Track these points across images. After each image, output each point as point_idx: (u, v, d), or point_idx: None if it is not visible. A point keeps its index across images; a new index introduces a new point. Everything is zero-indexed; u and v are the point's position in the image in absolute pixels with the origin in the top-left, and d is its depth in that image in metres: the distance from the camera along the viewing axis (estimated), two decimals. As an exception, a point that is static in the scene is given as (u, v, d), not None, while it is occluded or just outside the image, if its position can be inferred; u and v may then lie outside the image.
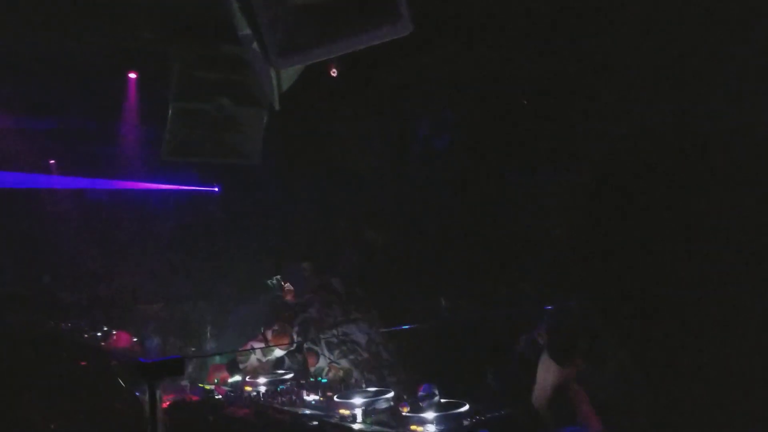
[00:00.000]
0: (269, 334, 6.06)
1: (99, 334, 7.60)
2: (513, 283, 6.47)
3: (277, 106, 6.66)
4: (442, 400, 4.51)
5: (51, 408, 4.58)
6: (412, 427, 4.20)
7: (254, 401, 5.12)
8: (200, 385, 5.68)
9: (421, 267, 7.22)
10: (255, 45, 5.90)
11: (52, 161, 9.88)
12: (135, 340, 7.24)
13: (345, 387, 5.26)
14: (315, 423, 4.48)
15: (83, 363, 5.89)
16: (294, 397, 5.03)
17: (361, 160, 8.65)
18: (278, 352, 5.92)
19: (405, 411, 4.42)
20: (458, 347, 5.82)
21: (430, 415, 4.28)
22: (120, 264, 10.21)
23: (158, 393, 2.60)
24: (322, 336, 5.90)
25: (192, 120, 7.18)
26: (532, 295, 6.13)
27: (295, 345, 6.02)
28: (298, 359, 5.87)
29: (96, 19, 6.47)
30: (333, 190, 8.48)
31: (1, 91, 7.79)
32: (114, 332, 7.47)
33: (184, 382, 5.79)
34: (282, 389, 5.27)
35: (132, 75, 7.94)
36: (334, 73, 7.90)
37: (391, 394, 4.72)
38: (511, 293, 6.43)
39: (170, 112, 7.12)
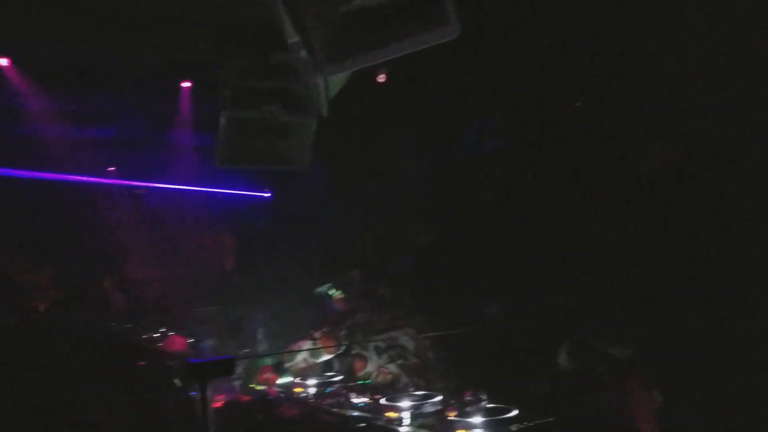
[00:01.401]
0: (317, 336, 6.16)
1: (156, 335, 7.82)
2: (563, 288, 6.40)
3: (325, 113, 6.79)
4: (489, 405, 4.50)
5: (110, 406, 4.75)
6: None
7: (303, 402, 5.21)
8: (251, 386, 5.80)
9: (470, 272, 7.20)
10: (303, 52, 6.03)
11: (111, 168, 10.21)
12: (190, 341, 7.44)
13: (393, 391, 5.30)
14: (362, 425, 4.53)
15: (141, 363, 6.07)
16: (342, 399, 5.10)
17: (410, 165, 8.68)
18: (325, 355, 6.00)
19: (452, 415, 4.43)
20: (507, 353, 5.78)
21: (476, 419, 4.28)
22: (176, 268, 10.49)
23: (208, 392, 2.68)
24: (370, 341, 5.95)
25: (243, 128, 7.35)
26: (584, 302, 6.05)
27: (342, 349, 6.09)
28: (346, 363, 5.94)
29: (150, 32, 6.70)
30: (381, 196, 8.53)
31: (65, 103, 8.14)
32: (170, 334, 7.68)
33: (237, 383, 5.93)
34: (330, 391, 5.34)
35: (185, 84, 8.17)
36: (382, 78, 7.98)
37: (438, 399, 4.73)
38: (562, 299, 6.36)
39: (222, 120, 7.32)
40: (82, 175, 9.76)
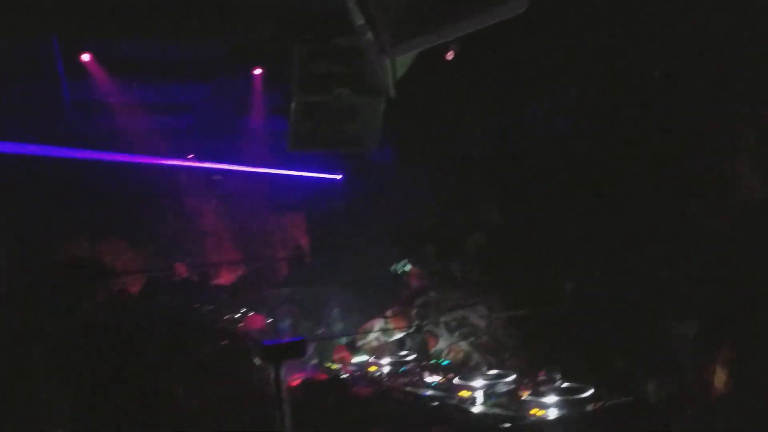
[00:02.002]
0: (389, 314, 6.23)
1: (237, 316, 8.09)
2: (641, 267, 6.23)
3: (392, 94, 6.81)
4: (564, 385, 4.45)
5: (193, 385, 4.97)
6: (533, 411, 4.18)
7: (377, 381, 5.29)
8: (328, 365, 5.94)
9: (544, 250, 7.10)
10: (369, 35, 6.04)
11: (190, 155, 10.57)
12: (269, 321, 7.66)
13: (467, 369, 5.31)
14: (435, 404, 4.57)
15: (223, 343, 6.29)
16: (415, 378, 5.15)
17: (480, 143, 8.60)
18: (398, 333, 6.06)
19: (525, 395, 4.41)
20: (583, 331, 5.69)
21: (551, 399, 4.24)
22: (253, 250, 10.83)
23: (282, 373, 2.77)
24: (441, 318, 5.97)
25: (313, 112, 7.48)
26: (664, 281, 5.87)
27: (414, 327, 6.14)
28: (418, 341, 5.98)
29: (221, 21, 6.88)
30: (452, 175, 8.50)
31: (144, 94, 8.47)
32: (250, 314, 7.93)
33: (314, 362, 6.09)
34: (404, 370, 5.40)
35: (257, 71, 8.34)
36: (450, 56, 7.90)
37: (512, 378, 4.72)
38: (641, 277, 6.19)
39: (292, 105, 7.45)
40: (164, 164, 10.16)
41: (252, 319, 7.76)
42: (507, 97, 8.05)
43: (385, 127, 7.70)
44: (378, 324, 6.26)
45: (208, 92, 8.92)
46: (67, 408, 2.85)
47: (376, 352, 5.98)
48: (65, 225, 9.31)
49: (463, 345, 5.71)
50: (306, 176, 10.72)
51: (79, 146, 8.53)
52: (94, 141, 8.60)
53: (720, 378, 3.84)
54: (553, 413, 4.14)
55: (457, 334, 5.79)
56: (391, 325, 6.17)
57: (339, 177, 10.95)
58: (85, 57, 7.29)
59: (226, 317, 8.13)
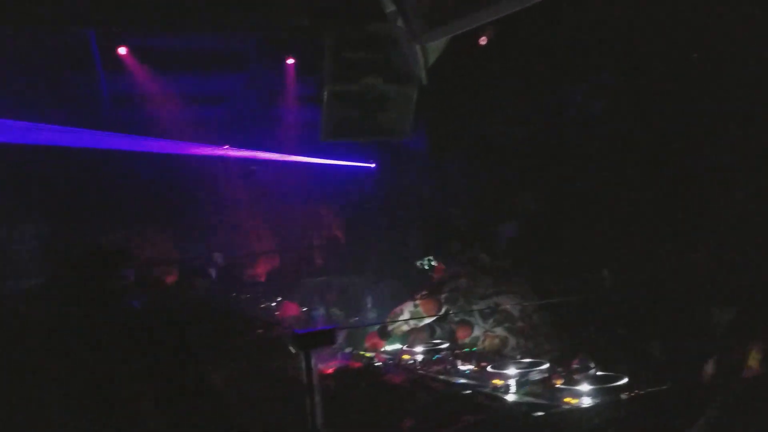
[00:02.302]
0: (418, 299, 6.23)
1: (273, 304, 8.19)
2: (682, 254, 6.11)
3: (424, 81, 6.77)
4: (598, 373, 4.40)
5: (230, 372, 5.05)
6: (566, 400, 4.15)
7: (410, 369, 5.31)
8: (361, 353, 5.97)
9: (579, 237, 7.02)
10: (400, 22, 6.02)
11: (225, 146, 10.68)
12: (303, 310, 7.74)
13: (500, 357, 5.29)
14: (468, 392, 4.56)
15: (259, 331, 6.37)
16: (448, 367, 5.15)
17: (514, 129, 8.50)
18: (428, 319, 6.05)
19: (559, 383, 4.38)
20: (619, 318, 5.61)
21: (585, 387, 4.20)
22: (288, 239, 10.93)
23: (313, 360, 2.79)
24: (474, 306, 5.94)
25: (345, 101, 7.49)
26: (704, 268, 5.75)
27: (443, 311, 6.12)
28: (449, 329, 5.97)
29: (253, 11, 6.93)
30: (486, 162, 8.43)
31: (179, 85, 8.58)
32: (284, 302, 8.02)
33: (348, 350, 6.13)
34: (437, 358, 5.40)
35: (290, 61, 8.38)
36: (483, 41, 7.82)
37: (545, 366, 4.69)
38: (680, 265, 6.08)
39: (325, 95, 7.47)
40: (200, 154, 10.30)
41: (286, 308, 7.84)
42: (541, 83, 7.94)
43: (417, 115, 7.68)
44: (408, 308, 6.26)
45: (241, 83, 9.01)
46: (108, 395, 2.90)
47: (407, 337, 5.98)
48: (105, 215, 9.52)
49: (499, 331, 5.67)
50: (339, 165, 10.75)
51: (117, 137, 8.71)
52: (131, 132, 8.75)
53: (757, 363, 3.75)
54: (586, 402, 4.10)
55: (491, 320, 5.76)
56: (420, 309, 6.16)
57: (372, 165, 10.96)
58: (122, 50, 7.41)
59: (262, 306, 8.24)
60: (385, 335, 6.12)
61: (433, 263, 7.15)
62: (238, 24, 7.08)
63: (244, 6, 6.85)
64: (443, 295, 6.23)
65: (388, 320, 6.23)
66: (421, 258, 7.34)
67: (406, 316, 6.15)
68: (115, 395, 2.70)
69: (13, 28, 6.61)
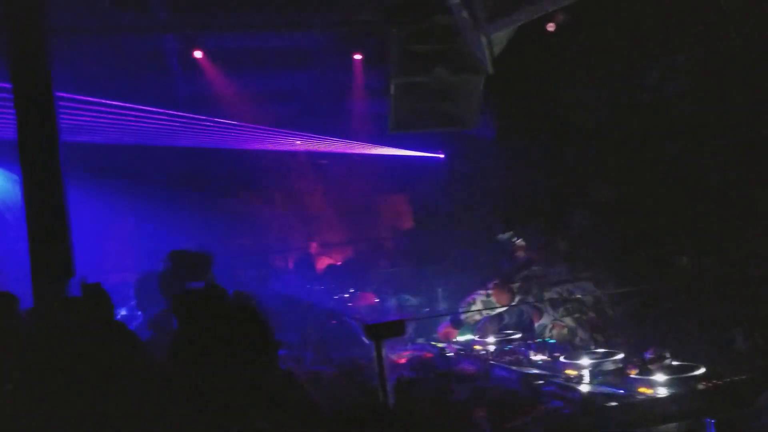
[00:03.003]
0: (490, 287, 6.23)
1: (347, 295, 8.36)
2: (760, 242, 5.89)
3: (490, 71, 6.76)
4: (674, 363, 4.31)
5: (302, 362, 5.24)
6: (641, 390, 4.09)
7: (482, 359, 5.33)
8: (433, 343, 6.04)
9: (656, 225, 6.85)
10: (465, 13, 6.03)
11: (297, 142, 10.94)
12: (377, 300, 7.88)
13: (572, 347, 5.24)
14: (540, 382, 4.55)
15: (333, 322, 6.54)
16: (521, 357, 5.15)
17: (586, 114, 8.34)
18: (500, 308, 6.04)
19: (633, 373, 4.31)
20: (694, 307, 5.47)
21: (660, 377, 4.13)
22: (360, 231, 11.13)
23: (383, 351, 2.88)
24: (545, 293, 5.90)
25: (412, 93, 7.56)
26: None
27: (516, 300, 6.10)
28: (515, 317, 5.94)
29: (319, 8, 7.09)
30: (558, 148, 8.31)
31: (251, 85, 8.85)
32: (360, 293, 8.18)
33: (421, 340, 6.21)
34: (509, 348, 5.41)
35: (357, 56, 8.50)
36: (551, 27, 7.72)
37: (620, 356, 4.62)
38: (758, 252, 5.86)
39: (392, 87, 7.57)
40: (273, 150, 10.60)
41: (362, 298, 8.00)
42: (616, 62, 7.75)
43: (485, 104, 7.65)
44: (480, 297, 6.28)
45: (311, 79, 9.20)
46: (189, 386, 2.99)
47: (482, 330, 6.00)
48: (180, 212, 9.94)
49: (568, 321, 5.62)
50: (408, 156, 10.83)
51: (191, 136, 9.08)
52: (205, 131, 9.09)
53: None
54: (662, 392, 4.03)
55: (561, 309, 5.70)
56: (492, 299, 6.17)
57: (441, 156, 10.99)
58: (198, 54, 7.72)
59: (335, 297, 8.42)
60: (458, 325, 6.16)
61: (515, 239, 7.09)
62: (310, 22, 7.25)
63: (314, 5, 7.01)
64: (516, 284, 6.21)
65: (460, 310, 6.26)
66: (503, 233, 7.28)
67: (478, 305, 6.17)
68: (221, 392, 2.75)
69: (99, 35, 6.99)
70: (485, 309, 5.97)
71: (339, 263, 10.58)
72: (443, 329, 6.18)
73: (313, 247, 11.03)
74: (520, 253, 6.97)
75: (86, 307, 3.67)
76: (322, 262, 10.54)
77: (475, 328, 5.99)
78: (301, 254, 10.94)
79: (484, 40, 5.91)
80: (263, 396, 2.56)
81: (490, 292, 6.27)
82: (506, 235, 7.32)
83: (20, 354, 2.72)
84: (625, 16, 7.15)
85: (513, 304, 6.07)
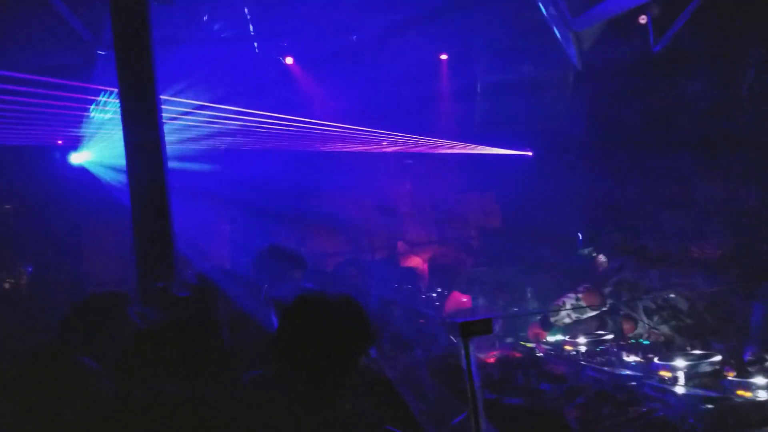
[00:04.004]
0: (580, 291, 6.13)
1: (434, 294, 8.41)
2: None
3: (579, 67, 6.67)
4: (776, 365, 4.14)
5: (389, 359, 5.32)
6: (739, 392, 3.96)
7: (572, 360, 5.27)
8: (521, 343, 6.01)
9: (755, 225, 6.53)
10: (552, 9, 5.98)
11: (384, 142, 11.07)
12: (464, 300, 7.88)
13: (666, 350, 5.11)
14: (633, 383, 4.47)
15: (421, 321, 6.61)
16: (613, 358, 5.06)
17: (684, 110, 8.04)
18: (589, 312, 5.94)
19: (731, 375, 4.17)
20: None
21: (760, 380, 3.98)
22: (447, 230, 11.15)
23: (472, 349, 2.92)
24: (639, 301, 5.75)
25: (500, 91, 7.55)
26: None
27: (608, 305, 5.98)
28: (612, 321, 5.82)
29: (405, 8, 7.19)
30: (649, 147, 8.04)
31: (336, 84, 9.05)
32: (450, 293, 8.21)
33: (509, 340, 6.20)
34: (601, 349, 5.32)
35: (443, 57, 8.55)
36: (644, 20, 7.50)
37: (716, 358, 4.48)
38: None
39: (479, 86, 7.59)
40: (358, 151, 10.78)
41: (451, 298, 8.03)
42: (717, 55, 7.44)
43: (574, 101, 7.54)
44: (569, 301, 6.19)
45: (398, 79, 9.31)
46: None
47: (568, 329, 5.93)
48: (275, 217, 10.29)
49: (664, 328, 5.46)
50: (495, 154, 10.75)
51: (283, 140, 9.38)
52: (296, 134, 9.36)
53: None
54: (762, 395, 3.88)
55: (656, 317, 5.55)
56: (582, 303, 6.07)
57: (529, 153, 10.85)
58: (288, 60, 7.99)
59: (423, 296, 8.48)
60: (548, 326, 6.10)
61: (594, 254, 6.99)
62: (397, 22, 7.35)
63: (400, 4, 7.10)
64: (607, 289, 6.09)
65: (550, 312, 6.20)
66: (584, 248, 7.18)
67: (568, 308, 6.09)
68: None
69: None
70: (574, 311, 5.88)
71: (425, 263, 10.63)
72: (533, 330, 6.15)
73: (400, 246, 11.12)
74: (602, 268, 6.84)
75: (196, 304, 3.89)
76: (410, 262, 10.61)
77: (566, 331, 5.93)
78: (387, 253, 11.06)
79: (572, 36, 5.85)
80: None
81: (580, 295, 6.18)
82: (586, 251, 7.22)
83: (137, 352, 2.89)
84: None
85: (604, 308, 5.96)
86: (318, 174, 10.46)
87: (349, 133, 9.77)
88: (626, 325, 5.70)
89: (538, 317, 6.29)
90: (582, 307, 5.97)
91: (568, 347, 5.64)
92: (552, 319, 6.06)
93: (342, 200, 10.93)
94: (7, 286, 9.07)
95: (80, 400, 3.00)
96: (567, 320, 6.03)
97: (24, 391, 3.10)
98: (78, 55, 6.89)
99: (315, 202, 10.40)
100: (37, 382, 3.09)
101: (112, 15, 5.11)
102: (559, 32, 6.24)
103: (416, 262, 10.56)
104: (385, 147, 11.14)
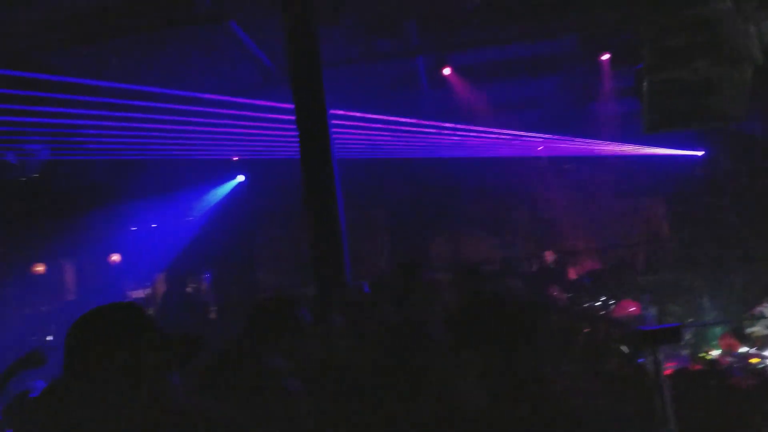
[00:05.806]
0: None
1: (597, 303, 8.15)
2: None
3: (760, 61, 6.17)
4: None
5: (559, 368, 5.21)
6: None
7: (759, 373, 4.90)
8: (701, 355, 5.67)
9: None
10: (728, 2, 5.61)
11: (540, 147, 10.90)
12: (633, 309, 7.55)
13: None
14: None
15: (586, 330, 6.42)
16: (810, 373, 4.64)
17: None
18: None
19: None
20: None
21: None
22: (611, 236, 10.75)
23: (660, 358, 2.84)
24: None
25: (668, 89, 7.14)
26: None
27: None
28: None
29: (571, 13, 7.05)
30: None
31: (497, 95, 9.06)
32: (620, 301, 7.90)
33: (685, 352, 5.85)
34: (795, 363, 4.90)
35: (605, 57, 8.27)
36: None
37: None
38: None
39: (645, 85, 7.22)
40: (516, 157, 10.69)
41: (624, 305, 7.73)
42: None
43: (754, 97, 7.02)
44: (765, 309, 5.74)
45: (556, 83, 9.15)
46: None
47: (763, 341, 5.50)
48: (429, 221, 10.45)
49: None
50: (661, 155, 10.22)
51: (442, 148, 9.52)
52: (453, 143, 9.47)
53: None
54: None
55: None
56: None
57: (700, 153, 10.19)
58: (446, 71, 8.12)
59: (586, 305, 8.24)
60: (743, 338, 5.68)
61: None
62: (558, 28, 7.25)
63: (561, 10, 7.01)
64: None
65: (746, 322, 5.76)
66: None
67: (766, 320, 5.64)
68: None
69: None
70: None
71: (587, 270, 10.30)
72: (725, 340, 5.76)
73: (558, 254, 10.86)
74: None
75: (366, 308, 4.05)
76: (570, 269, 10.33)
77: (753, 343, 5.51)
78: (543, 261, 10.84)
79: (752, 29, 5.46)
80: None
81: None
82: None
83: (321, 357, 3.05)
84: None
85: None
86: (475, 180, 10.50)
87: (506, 139, 9.73)
88: None
89: (718, 328, 5.91)
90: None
91: (753, 359, 5.25)
92: (747, 331, 5.65)
93: (496, 206, 10.89)
94: (189, 290, 9.90)
95: (273, 399, 3.21)
96: (765, 332, 5.58)
97: (218, 388, 3.36)
98: (259, 76, 7.48)
99: (473, 209, 10.45)
100: (231, 380, 3.33)
101: (286, 40, 5.46)
102: (737, 26, 5.85)
103: (579, 268, 10.29)
104: (541, 151, 10.96)
